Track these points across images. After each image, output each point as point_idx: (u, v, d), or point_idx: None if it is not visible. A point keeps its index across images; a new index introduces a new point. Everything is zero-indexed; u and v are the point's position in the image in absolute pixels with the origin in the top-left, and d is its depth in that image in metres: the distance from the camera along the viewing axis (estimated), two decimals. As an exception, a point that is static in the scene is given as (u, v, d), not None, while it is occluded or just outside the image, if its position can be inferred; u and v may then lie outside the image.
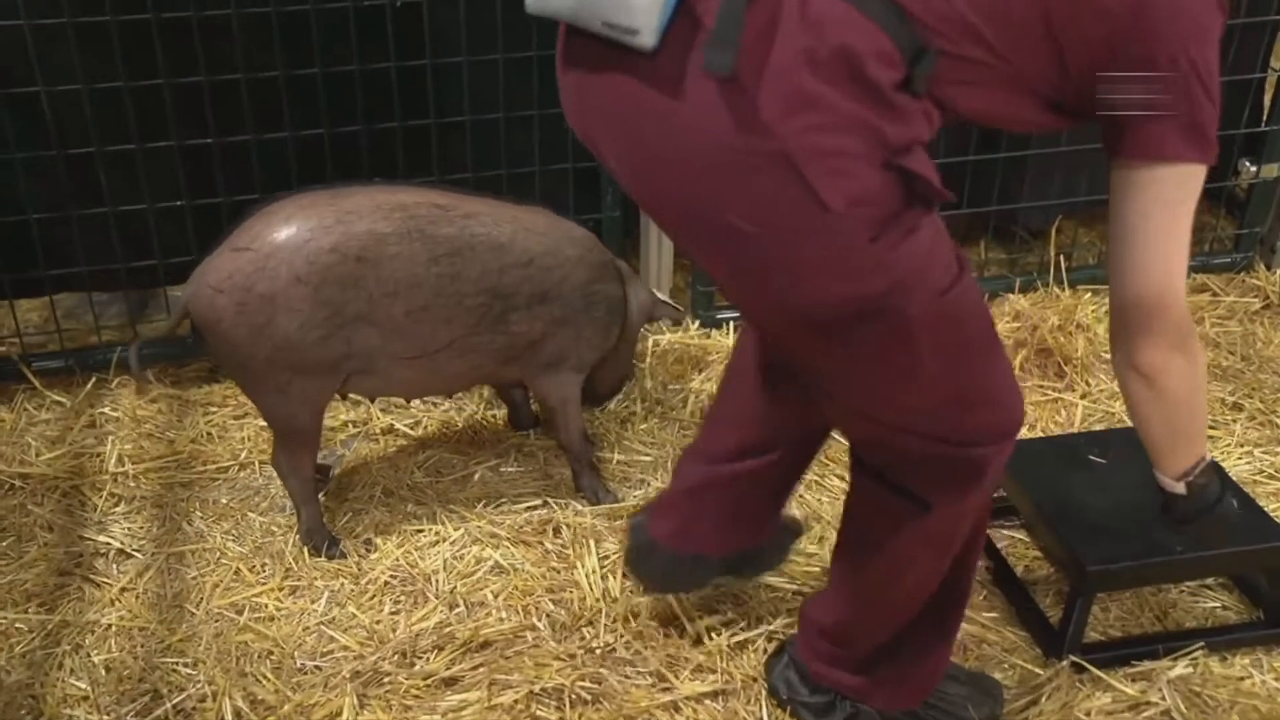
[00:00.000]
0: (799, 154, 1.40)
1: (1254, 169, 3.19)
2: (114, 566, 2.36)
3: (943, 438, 1.65)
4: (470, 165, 2.83)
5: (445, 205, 2.22)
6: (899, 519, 1.76)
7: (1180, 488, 1.74)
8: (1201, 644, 2.14)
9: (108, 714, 2.03)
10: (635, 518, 2.14)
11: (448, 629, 2.19)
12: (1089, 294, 3.20)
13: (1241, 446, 2.70)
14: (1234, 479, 2.32)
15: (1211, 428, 2.76)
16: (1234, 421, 2.78)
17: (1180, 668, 2.10)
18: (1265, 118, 3.20)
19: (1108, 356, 2.96)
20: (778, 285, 1.52)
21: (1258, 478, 2.60)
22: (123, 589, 2.30)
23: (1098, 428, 2.75)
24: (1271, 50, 3.24)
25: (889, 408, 1.65)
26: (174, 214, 2.77)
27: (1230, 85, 3.07)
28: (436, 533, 2.41)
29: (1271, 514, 2.24)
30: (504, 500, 2.51)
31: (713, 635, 2.15)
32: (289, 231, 2.12)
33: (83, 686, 2.08)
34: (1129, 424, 2.68)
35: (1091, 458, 2.35)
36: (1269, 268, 3.30)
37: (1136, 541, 2.15)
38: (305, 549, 2.37)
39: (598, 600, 2.24)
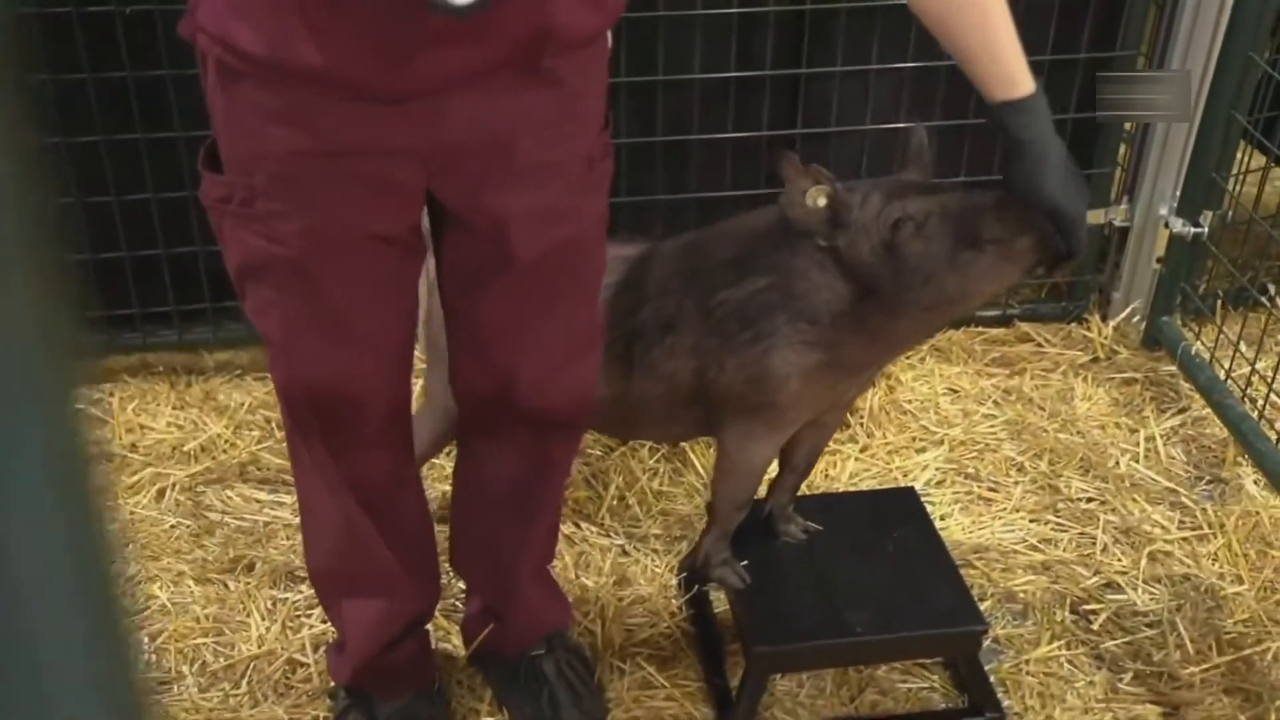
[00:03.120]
0: None
1: (1080, 214, 3.00)
2: None
3: None
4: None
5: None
6: None
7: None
8: (877, 732, 2.00)
9: None
10: None
11: (88, 672, 2.08)
12: (903, 339, 3.03)
13: (1016, 512, 2.53)
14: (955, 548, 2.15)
15: (991, 489, 2.60)
16: (1015, 484, 2.61)
17: (844, 758, 1.95)
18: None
19: (907, 405, 2.84)
20: None
21: (1018, 547, 2.44)
22: None
23: (864, 486, 2.59)
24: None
25: None
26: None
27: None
28: (115, 566, 2.31)
29: (972, 593, 2.08)
30: (207, 533, 2.40)
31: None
32: None
33: None
34: (900, 484, 2.57)
35: (809, 525, 2.20)
36: (1104, 319, 3.12)
37: (817, 620, 2.00)
38: None
39: (259, 648, 2.14)
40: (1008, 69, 1.60)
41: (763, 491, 2.16)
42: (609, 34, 1.64)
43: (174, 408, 2.76)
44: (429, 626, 2.05)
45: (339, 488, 1.76)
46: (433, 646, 2.08)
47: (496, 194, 1.59)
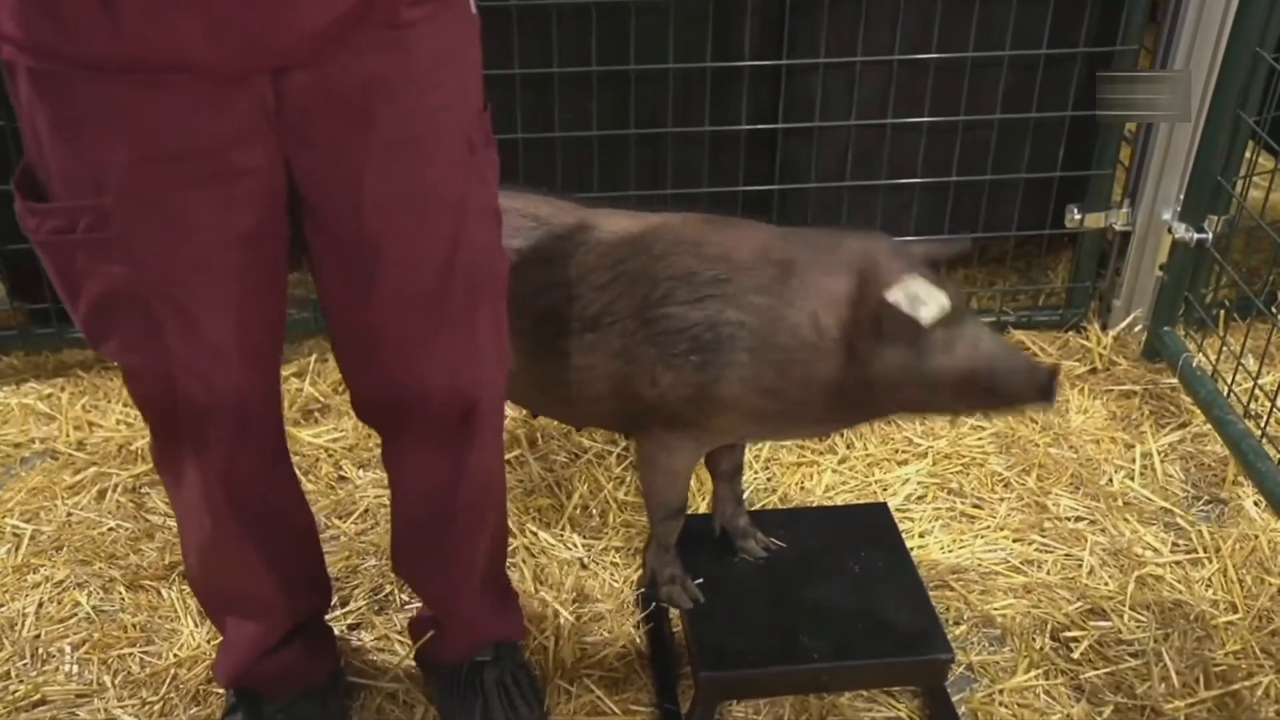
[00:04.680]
0: None
1: (1079, 217, 2.87)
2: None
3: None
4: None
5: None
6: None
7: None
8: (829, 766, 1.87)
9: None
10: None
11: (3, 685, 1.98)
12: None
13: (999, 531, 2.40)
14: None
15: (974, 506, 2.46)
16: (1000, 501, 2.47)
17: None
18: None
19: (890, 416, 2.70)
20: None
21: (999, 568, 2.30)
22: None
23: (841, 500, 2.45)
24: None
25: None
26: None
27: (1046, 123, 2.77)
28: (44, 571, 2.21)
29: (941, 618, 1.95)
30: (146, 536, 2.29)
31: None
32: None
33: None
34: (877, 499, 2.44)
35: (773, 541, 2.07)
36: (1104, 328, 2.97)
37: (771, 645, 1.88)
38: None
39: (191, 654, 2.03)
40: None
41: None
42: (472, 3, 1.52)
43: (125, 404, 2.66)
44: (327, 620, 1.98)
45: (209, 495, 1.63)
46: (329, 645, 1.98)
47: (359, 173, 1.45)
